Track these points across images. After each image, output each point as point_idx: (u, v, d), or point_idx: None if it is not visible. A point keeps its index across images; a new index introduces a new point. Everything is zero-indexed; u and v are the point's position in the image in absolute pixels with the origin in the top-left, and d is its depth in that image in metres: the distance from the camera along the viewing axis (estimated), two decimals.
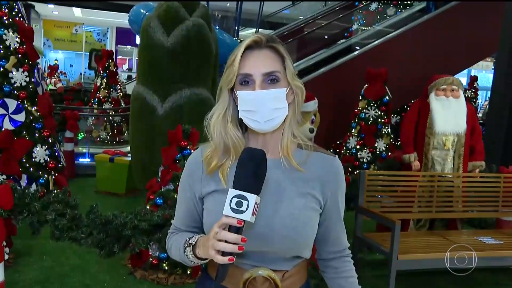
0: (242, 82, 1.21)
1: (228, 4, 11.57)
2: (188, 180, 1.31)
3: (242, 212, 1.06)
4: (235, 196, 1.07)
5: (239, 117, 1.24)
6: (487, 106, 9.63)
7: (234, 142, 1.25)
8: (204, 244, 1.15)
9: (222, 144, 1.26)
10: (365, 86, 6.34)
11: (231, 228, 1.07)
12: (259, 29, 11.48)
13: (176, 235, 1.35)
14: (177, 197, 1.39)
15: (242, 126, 1.29)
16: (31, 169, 4.32)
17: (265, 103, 1.19)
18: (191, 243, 1.22)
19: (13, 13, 4.38)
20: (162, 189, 3.66)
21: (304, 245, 1.26)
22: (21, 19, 4.48)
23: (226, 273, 1.11)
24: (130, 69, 19.61)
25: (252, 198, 1.07)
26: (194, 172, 1.30)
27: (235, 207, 1.06)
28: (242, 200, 1.06)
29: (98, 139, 8.80)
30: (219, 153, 1.26)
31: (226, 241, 1.06)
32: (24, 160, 4.28)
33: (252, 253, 1.22)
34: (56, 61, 17.57)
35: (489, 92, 9.41)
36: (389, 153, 6.21)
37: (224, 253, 1.07)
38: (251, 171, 1.09)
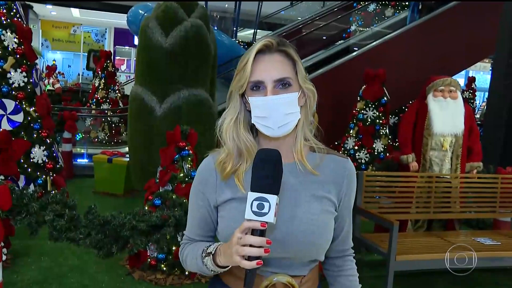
0: (253, 87, 1.21)
1: (226, 5, 11.57)
2: (200, 187, 1.29)
3: (265, 214, 1.05)
4: (255, 199, 1.06)
5: (252, 122, 1.23)
6: (485, 107, 9.64)
7: (248, 146, 1.24)
8: (226, 252, 1.13)
9: (236, 149, 1.25)
10: (363, 87, 6.35)
11: (255, 232, 1.05)
12: (258, 30, 11.49)
13: (190, 245, 1.32)
14: (188, 206, 1.36)
15: (253, 131, 1.28)
16: (29, 169, 4.32)
17: (277, 108, 1.18)
18: (211, 252, 1.20)
19: (11, 13, 4.38)
20: (160, 190, 3.66)
21: (322, 249, 1.26)
22: (19, 19, 4.48)
23: (254, 278, 1.09)
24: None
25: (273, 199, 1.06)
26: (207, 180, 1.28)
27: (257, 210, 1.05)
28: (263, 202, 1.05)
29: (96, 139, 8.81)
30: (233, 158, 1.25)
31: (250, 246, 1.05)
32: (22, 160, 4.28)
33: (271, 260, 1.20)
34: (54, 62, 17.55)
35: (486, 93, 9.44)
36: (387, 154, 6.22)
37: (249, 258, 1.05)
38: (268, 171, 1.07)
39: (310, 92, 1.26)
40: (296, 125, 1.24)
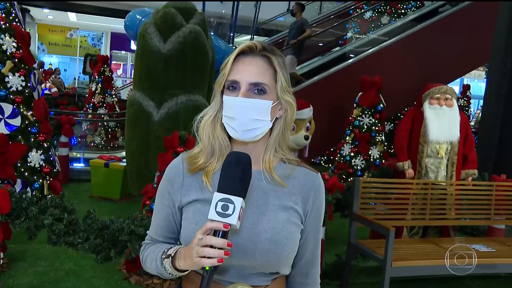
0: (230, 87, 1.19)
1: (223, 11, 11.61)
2: (168, 187, 1.28)
3: (228, 215, 1.03)
4: (220, 200, 1.04)
5: (222, 121, 1.22)
6: (480, 115, 9.72)
7: (221, 145, 1.23)
8: (186, 255, 1.10)
9: (210, 146, 1.23)
10: (359, 94, 6.40)
11: (216, 233, 1.04)
12: (254, 36, 11.53)
13: (151, 246, 1.29)
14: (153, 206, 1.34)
15: None
16: (26, 173, 4.33)
17: (245, 112, 1.16)
18: (170, 254, 1.17)
19: (10, 17, 4.40)
20: None
21: (284, 261, 1.22)
22: (18, 23, 4.50)
23: (210, 283, 1.06)
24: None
25: (238, 201, 1.04)
26: (174, 179, 1.27)
27: (221, 211, 1.03)
28: (228, 204, 1.04)
29: (92, 144, 8.79)
30: (205, 154, 1.24)
31: (211, 247, 1.03)
32: (19, 164, 4.29)
33: (231, 268, 1.18)
34: (50, 66, 17.52)
35: (481, 101, 9.51)
36: (383, 161, 6.26)
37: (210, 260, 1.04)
38: (237, 174, 1.06)
39: (288, 105, 1.22)
40: (270, 136, 1.22)
